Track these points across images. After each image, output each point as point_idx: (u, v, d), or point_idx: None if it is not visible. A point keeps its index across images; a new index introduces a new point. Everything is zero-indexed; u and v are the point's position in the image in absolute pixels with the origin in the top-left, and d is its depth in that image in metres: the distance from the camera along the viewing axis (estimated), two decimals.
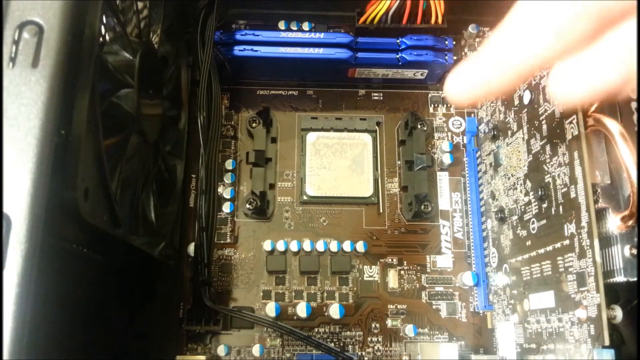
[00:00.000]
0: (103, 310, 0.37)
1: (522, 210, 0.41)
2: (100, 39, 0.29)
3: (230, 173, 0.48)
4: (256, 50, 0.47)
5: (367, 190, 0.49)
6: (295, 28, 0.50)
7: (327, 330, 0.46)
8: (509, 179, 0.43)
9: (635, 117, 0.33)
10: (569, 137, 0.34)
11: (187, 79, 0.49)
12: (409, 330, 0.46)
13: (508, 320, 0.43)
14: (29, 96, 0.22)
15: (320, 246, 0.47)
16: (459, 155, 0.50)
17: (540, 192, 0.37)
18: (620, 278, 0.31)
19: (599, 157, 0.33)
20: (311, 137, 0.50)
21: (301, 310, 0.45)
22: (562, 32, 0.20)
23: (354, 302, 0.47)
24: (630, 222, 0.31)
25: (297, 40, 0.47)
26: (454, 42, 0.49)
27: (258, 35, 0.47)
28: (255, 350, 0.45)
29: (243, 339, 0.45)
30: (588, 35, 0.19)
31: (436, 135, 0.51)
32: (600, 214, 0.33)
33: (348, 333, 0.46)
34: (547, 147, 0.37)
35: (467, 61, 0.23)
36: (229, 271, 0.47)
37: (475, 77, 0.23)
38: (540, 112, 0.38)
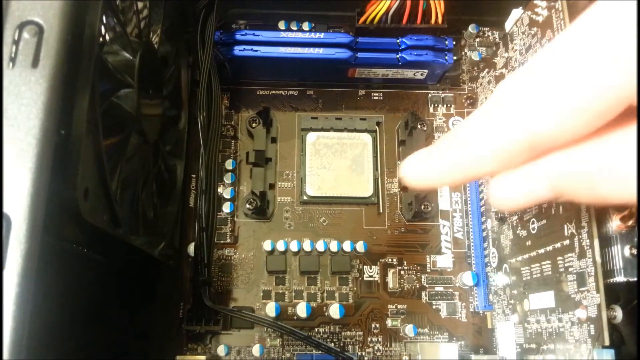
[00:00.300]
0: (103, 310, 0.37)
1: (522, 210, 0.41)
2: (100, 39, 0.29)
3: (230, 173, 0.48)
4: (256, 50, 0.47)
5: (367, 190, 0.49)
6: (295, 28, 0.50)
7: (327, 330, 0.46)
8: None
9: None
10: None
11: (187, 79, 0.49)
12: (409, 330, 0.46)
13: (508, 320, 0.43)
14: (29, 96, 0.22)
15: (320, 246, 0.47)
16: None
17: None
18: (620, 278, 0.31)
19: None
20: (311, 137, 0.50)
21: (301, 310, 0.45)
22: (498, 154, 0.22)
23: (354, 302, 0.47)
24: (630, 222, 0.31)
25: (297, 40, 0.47)
26: (454, 42, 0.49)
27: (258, 35, 0.47)
28: (255, 350, 0.45)
29: (243, 339, 0.45)
30: (522, 160, 0.22)
31: (436, 135, 0.51)
32: (601, 214, 0.33)
33: (348, 333, 0.46)
34: None
35: (422, 150, 0.25)
36: (229, 271, 0.47)
37: (424, 167, 0.25)
38: None
